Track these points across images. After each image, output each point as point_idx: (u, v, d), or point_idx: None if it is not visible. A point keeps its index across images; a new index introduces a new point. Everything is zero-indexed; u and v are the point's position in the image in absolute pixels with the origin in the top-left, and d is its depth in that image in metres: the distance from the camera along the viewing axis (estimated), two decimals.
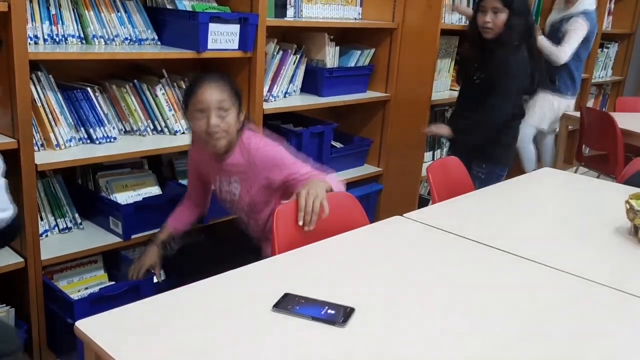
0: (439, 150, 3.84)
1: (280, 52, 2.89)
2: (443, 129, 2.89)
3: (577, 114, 4.17)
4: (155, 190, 2.52)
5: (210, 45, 2.39)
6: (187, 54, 2.35)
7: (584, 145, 4.22)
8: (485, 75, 2.73)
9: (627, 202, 1.85)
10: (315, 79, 3.06)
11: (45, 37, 2.15)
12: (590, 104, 5.34)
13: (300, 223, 1.73)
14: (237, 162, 2.04)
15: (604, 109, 5.43)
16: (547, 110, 4.12)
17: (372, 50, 3.28)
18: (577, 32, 3.86)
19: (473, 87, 2.81)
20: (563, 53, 3.83)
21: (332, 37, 3.09)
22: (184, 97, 2.00)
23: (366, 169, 3.41)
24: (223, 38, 2.43)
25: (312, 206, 1.73)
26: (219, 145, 1.96)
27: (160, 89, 2.44)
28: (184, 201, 2.33)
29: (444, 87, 3.67)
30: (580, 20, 3.86)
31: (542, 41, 3.79)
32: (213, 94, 1.91)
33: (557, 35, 3.93)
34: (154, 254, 2.22)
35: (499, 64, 2.65)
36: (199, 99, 1.90)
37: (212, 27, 2.37)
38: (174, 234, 2.29)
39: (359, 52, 3.23)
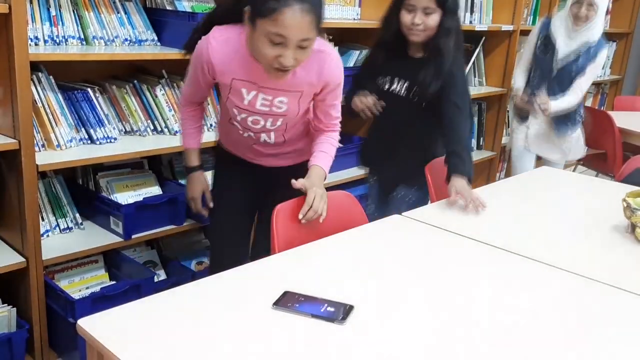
0: None
1: None
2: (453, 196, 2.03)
3: None
4: (155, 190, 2.53)
5: None
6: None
7: None
8: (422, 89, 2.19)
9: (624, 200, 1.86)
10: None
11: (46, 38, 2.16)
12: (588, 103, 5.35)
13: (301, 217, 1.75)
14: (303, 78, 1.78)
15: (602, 108, 5.44)
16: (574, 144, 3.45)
17: (367, 50, 3.29)
18: (600, 66, 3.20)
19: (398, 104, 2.25)
20: (580, 92, 3.16)
21: (330, 37, 3.10)
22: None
23: (365, 168, 3.42)
24: None
25: (318, 207, 1.76)
26: (284, 77, 1.70)
27: (160, 90, 2.45)
28: (185, 110, 2.04)
29: None
30: (606, 52, 3.18)
31: (559, 105, 3.11)
32: (300, 27, 1.54)
33: (569, 71, 3.15)
34: (200, 180, 2.16)
35: (451, 79, 2.15)
36: (284, 24, 1.52)
37: None
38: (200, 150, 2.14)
39: (357, 52, 3.24)
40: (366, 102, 2.24)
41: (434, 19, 2.11)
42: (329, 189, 1.86)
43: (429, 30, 2.13)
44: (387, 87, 2.27)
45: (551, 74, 3.19)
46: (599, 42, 3.12)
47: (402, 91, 2.25)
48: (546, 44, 3.18)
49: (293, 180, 1.78)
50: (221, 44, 1.74)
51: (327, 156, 1.92)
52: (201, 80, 1.86)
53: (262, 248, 1.89)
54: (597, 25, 3.10)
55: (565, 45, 3.13)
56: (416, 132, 2.30)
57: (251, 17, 1.59)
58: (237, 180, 2.11)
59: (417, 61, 2.21)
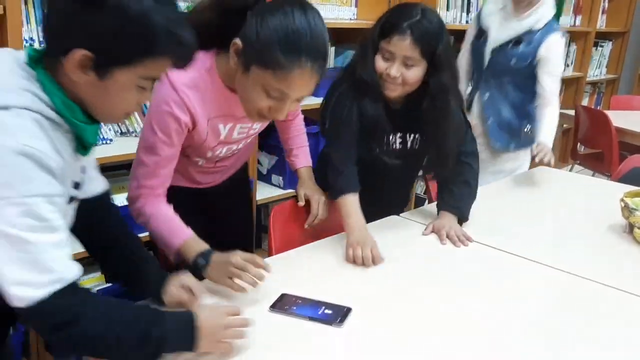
0: None
1: None
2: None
3: (572, 112, 4.18)
4: None
5: None
6: None
7: (579, 144, 4.23)
8: (420, 134, 1.81)
9: (622, 200, 1.86)
10: None
11: (41, 39, 2.14)
12: (584, 102, 5.36)
13: (307, 226, 1.76)
14: None
15: (598, 108, 5.45)
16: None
17: None
18: (559, 56, 2.49)
19: (388, 164, 1.79)
20: (555, 98, 2.49)
21: None
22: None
23: None
24: None
25: (323, 214, 1.77)
26: (266, 121, 1.54)
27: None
28: (158, 204, 1.48)
29: None
30: (559, 38, 2.45)
31: (550, 131, 2.42)
32: (306, 86, 1.32)
33: (505, 60, 2.49)
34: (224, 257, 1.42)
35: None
36: (290, 83, 1.29)
37: None
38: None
39: (354, 52, 3.23)
40: (366, 257, 1.57)
41: (416, 73, 1.61)
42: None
43: (408, 86, 1.64)
44: (377, 150, 1.78)
45: (482, 65, 2.57)
46: (547, 27, 2.41)
47: (396, 146, 1.82)
48: (479, 36, 2.59)
49: (299, 202, 1.77)
50: (192, 89, 1.40)
51: (305, 149, 1.90)
52: (178, 145, 1.46)
53: None
54: (545, 11, 2.43)
55: (497, 32, 2.49)
56: (403, 180, 2.02)
57: (246, 60, 1.29)
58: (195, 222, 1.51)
59: (407, 113, 1.74)
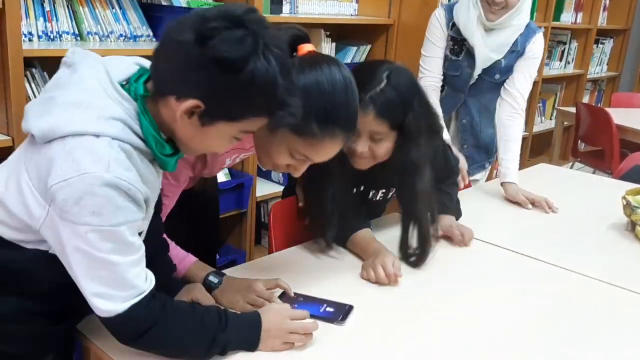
0: None
1: None
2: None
3: (573, 109, 4.17)
4: None
5: None
6: None
7: (579, 141, 4.22)
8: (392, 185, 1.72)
9: (624, 198, 1.85)
10: None
11: (40, 33, 2.13)
12: (585, 99, 5.35)
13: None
14: None
15: (599, 105, 5.44)
16: None
17: (369, 47, 3.27)
18: (538, 60, 2.22)
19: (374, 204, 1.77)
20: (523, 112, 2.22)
21: (328, 33, 3.08)
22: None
23: None
24: None
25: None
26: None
27: None
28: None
29: None
30: (541, 39, 2.19)
31: (517, 154, 2.15)
32: (332, 153, 1.26)
33: (491, 78, 2.22)
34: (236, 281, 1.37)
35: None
36: (318, 151, 1.23)
37: None
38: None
39: (355, 48, 3.22)
40: (382, 275, 1.45)
41: (386, 146, 1.46)
42: None
43: (379, 158, 1.48)
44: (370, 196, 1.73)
45: (464, 88, 2.23)
46: (527, 30, 2.15)
47: (377, 197, 1.75)
48: (457, 50, 2.18)
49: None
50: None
51: None
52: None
53: None
54: (524, 16, 2.13)
55: (484, 50, 2.12)
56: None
57: (275, 121, 1.11)
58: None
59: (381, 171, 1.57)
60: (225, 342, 1.08)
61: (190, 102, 0.97)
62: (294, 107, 1.04)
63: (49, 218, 0.97)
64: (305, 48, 1.21)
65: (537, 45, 2.17)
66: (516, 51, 2.16)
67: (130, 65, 1.07)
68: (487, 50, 2.13)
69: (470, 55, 2.15)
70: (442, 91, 2.25)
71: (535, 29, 2.18)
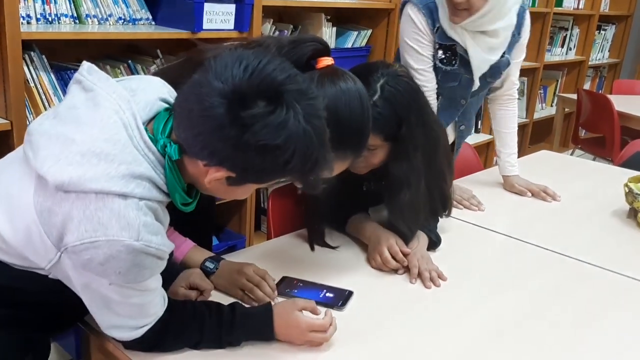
0: None
1: (277, 33, 2.85)
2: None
3: (574, 96, 4.16)
4: None
5: (205, 25, 2.35)
6: (181, 34, 2.31)
7: (580, 128, 4.21)
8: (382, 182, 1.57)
9: (626, 185, 1.84)
10: None
11: (38, 16, 2.11)
12: (586, 86, 5.33)
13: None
14: None
15: (600, 92, 5.42)
16: None
17: (370, 31, 3.24)
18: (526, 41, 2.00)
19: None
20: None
21: (328, 17, 3.04)
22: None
23: None
24: (218, 18, 2.39)
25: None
26: None
27: (155, 70, 2.41)
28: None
29: None
30: (529, 16, 1.96)
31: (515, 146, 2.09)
32: (338, 170, 1.27)
33: (485, 85, 1.95)
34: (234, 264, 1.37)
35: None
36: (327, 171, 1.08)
37: (208, 6, 2.32)
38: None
39: (356, 32, 3.19)
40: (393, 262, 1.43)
41: (380, 156, 1.42)
42: None
43: (373, 167, 1.46)
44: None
45: (465, 98, 1.95)
46: (521, 14, 1.89)
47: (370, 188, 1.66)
48: (448, 59, 1.86)
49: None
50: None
51: None
52: None
53: None
54: (514, 11, 1.84)
55: (480, 55, 1.84)
56: None
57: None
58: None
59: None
60: (232, 340, 1.08)
61: (222, 173, 0.94)
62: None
63: (60, 262, 0.93)
64: (325, 62, 1.22)
65: (528, 23, 1.95)
66: (514, 37, 1.91)
67: (154, 101, 1.00)
68: (479, 50, 1.83)
69: (465, 60, 1.85)
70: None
71: (522, 14, 1.91)
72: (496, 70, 1.92)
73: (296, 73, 0.95)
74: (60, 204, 0.90)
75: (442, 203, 1.59)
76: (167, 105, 1.02)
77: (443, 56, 1.86)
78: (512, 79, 2.03)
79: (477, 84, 1.91)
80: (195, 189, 1.05)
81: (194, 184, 1.02)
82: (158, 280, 1.00)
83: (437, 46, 1.84)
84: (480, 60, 1.85)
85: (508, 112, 2.07)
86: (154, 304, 1.01)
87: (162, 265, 0.97)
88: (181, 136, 0.95)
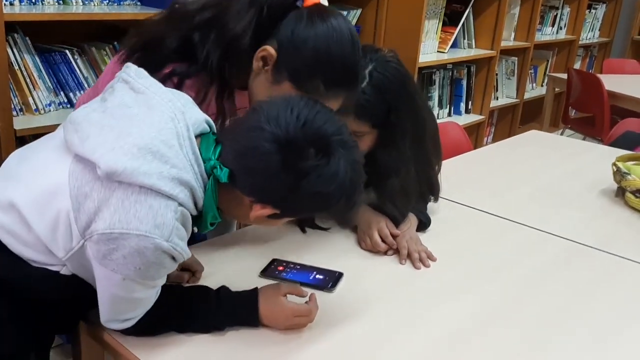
0: None
1: None
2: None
3: (564, 75, 4.15)
4: None
5: None
6: None
7: (570, 108, 4.21)
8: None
9: (614, 164, 1.85)
10: None
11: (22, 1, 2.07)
12: (577, 65, 5.33)
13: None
14: None
15: (590, 71, 5.42)
16: None
17: (359, 11, 3.21)
18: None
19: None
20: None
21: None
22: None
23: None
24: None
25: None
26: None
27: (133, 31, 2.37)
28: None
29: (431, 49, 3.61)
30: None
31: None
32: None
33: None
34: None
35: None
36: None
37: None
38: None
39: (345, 12, 3.16)
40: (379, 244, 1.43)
41: (367, 142, 1.41)
42: None
43: (362, 151, 1.30)
44: None
45: None
46: None
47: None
48: None
49: None
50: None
51: None
52: None
53: None
54: None
55: None
56: None
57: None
58: None
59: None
60: (218, 324, 1.09)
61: (268, 211, 0.99)
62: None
63: (80, 251, 0.94)
64: (311, 0, 1.20)
65: None
66: None
67: (202, 121, 1.03)
68: None
69: None
70: None
71: None
72: None
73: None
74: (99, 190, 0.91)
75: (429, 189, 1.59)
76: (209, 129, 1.05)
77: None
78: None
79: None
80: (220, 211, 1.06)
81: (225, 208, 1.04)
82: (165, 279, 1.02)
83: None
84: None
85: None
86: (152, 298, 1.03)
87: (175, 266, 1.00)
88: (229, 166, 0.98)
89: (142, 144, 0.92)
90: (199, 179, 0.98)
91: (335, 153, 0.96)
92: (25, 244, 0.96)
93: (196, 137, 1.00)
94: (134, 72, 1.02)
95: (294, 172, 0.94)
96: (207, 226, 1.05)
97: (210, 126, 1.05)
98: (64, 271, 0.98)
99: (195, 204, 0.99)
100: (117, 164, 0.89)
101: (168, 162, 0.93)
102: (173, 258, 0.96)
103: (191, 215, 0.99)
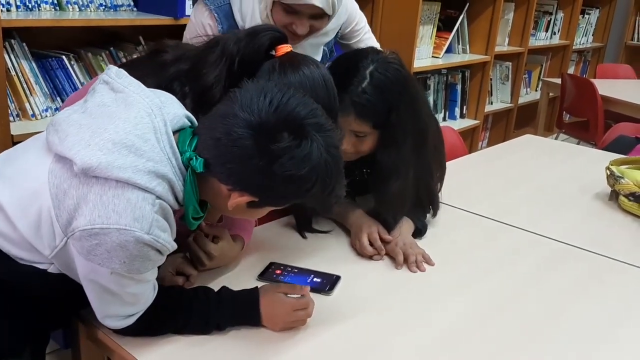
0: None
1: None
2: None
3: (558, 80, 4.18)
4: None
5: (188, 11, 2.32)
6: (164, 20, 2.28)
7: (564, 112, 4.24)
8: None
9: (607, 168, 1.86)
10: None
11: (18, 3, 2.07)
12: (571, 70, 5.36)
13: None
14: None
15: (584, 76, 5.45)
16: None
17: None
18: None
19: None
20: None
21: None
22: None
23: None
24: None
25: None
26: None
27: (119, 64, 2.38)
28: None
29: (426, 54, 3.64)
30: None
31: None
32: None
33: None
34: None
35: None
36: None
37: None
38: None
39: None
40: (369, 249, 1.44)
41: (368, 143, 1.41)
42: None
43: (362, 154, 1.45)
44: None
45: None
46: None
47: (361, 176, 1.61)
48: None
49: None
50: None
51: None
52: None
53: None
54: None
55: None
56: None
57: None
58: None
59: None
60: (219, 322, 1.09)
61: (246, 198, 0.99)
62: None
63: (65, 249, 0.95)
64: (284, 49, 1.21)
65: (347, 11, 1.75)
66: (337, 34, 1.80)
67: (181, 116, 1.04)
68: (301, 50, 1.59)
69: None
70: None
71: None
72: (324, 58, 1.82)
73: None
74: (77, 187, 0.92)
75: (428, 198, 1.58)
76: (190, 123, 1.06)
77: None
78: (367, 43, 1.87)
79: None
80: (205, 205, 1.07)
81: (208, 201, 1.06)
82: (155, 272, 1.02)
83: None
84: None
85: None
86: (147, 293, 1.03)
87: (163, 259, 1.00)
88: (207, 157, 0.99)
89: (117, 139, 0.93)
90: (178, 173, 0.99)
91: (308, 135, 0.96)
92: (13, 243, 0.98)
93: (176, 132, 1.02)
94: (114, 73, 1.04)
95: (266, 156, 0.94)
96: (190, 221, 1.05)
97: (191, 121, 1.07)
98: (51, 269, 0.99)
99: (177, 198, 1.00)
100: (92, 159, 0.91)
101: (143, 155, 0.94)
102: (158, 251, 0.96)
103: (175, 210, 1.01)
